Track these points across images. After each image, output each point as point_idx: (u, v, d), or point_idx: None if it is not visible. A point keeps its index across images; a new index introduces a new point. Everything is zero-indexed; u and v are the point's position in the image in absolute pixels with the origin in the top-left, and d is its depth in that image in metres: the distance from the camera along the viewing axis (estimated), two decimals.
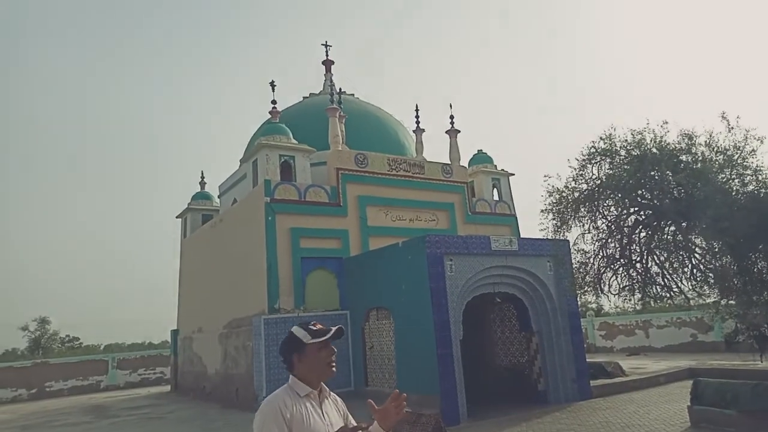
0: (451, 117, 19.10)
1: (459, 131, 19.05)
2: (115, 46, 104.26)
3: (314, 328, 2.43)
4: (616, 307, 27.95)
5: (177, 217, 22.42)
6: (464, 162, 19.11)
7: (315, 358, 2.39)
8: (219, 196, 20.17)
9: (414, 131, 19.34)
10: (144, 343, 44.45)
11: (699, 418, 8.81)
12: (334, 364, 2.45)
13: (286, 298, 13.88)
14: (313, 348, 2.39)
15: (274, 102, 18.51)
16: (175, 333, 21.78)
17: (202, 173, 23.07)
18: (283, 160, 15.44)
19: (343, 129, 17.63)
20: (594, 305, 31.25)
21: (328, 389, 2.52)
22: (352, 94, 21.42)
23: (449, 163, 18.32)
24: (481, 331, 14.40)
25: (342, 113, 17.86)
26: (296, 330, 2.43)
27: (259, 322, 13.33)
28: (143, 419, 13.96)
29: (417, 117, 19.16)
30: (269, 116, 18.66)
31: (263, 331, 13.12)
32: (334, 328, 2.44)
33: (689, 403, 9.11)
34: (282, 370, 12.44)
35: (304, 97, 21.79)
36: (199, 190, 22.33)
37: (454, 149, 18.82)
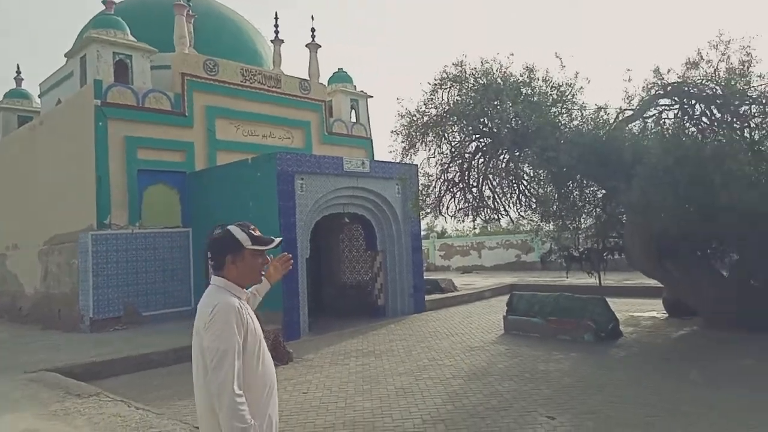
0: (312, 30, 18.21)
1: (320, 46, 18.28)
2: None
3: (255, 234, 2.37)
4: (457, 230, 30.38)
5: None
6: (323, 80, 18.55)
7: (250, 263, 2.34)
8: (39, 96, 17.44)
9: (272, 41, 18.15)
10: None
11: (511, 326, 9.98)
12: (264, 272, 2.53)
13: (118, 213, 12.70)
14: (250, 253, 2.33)
15: None
16: None
17: (18, 67, 19.73)
18: (117, 59, 13.60)
19: (192, 30, 15.94)
20: (439, 228, 33.70)
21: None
22: None
23: (308, 78, 17.63)
24: (328, 251, 14.65)
25: (191, 12, 16.07)
26: (235, 231, 2.34)
27: (86, 238, 12.13)
28: None
29: (276, 26, 17.93)
30: (103, 8, 16.19)
31: (91, 248, 12.02)
32: (276, 240, 2.41)
33: (504, 313, 10.26)
34: (110, 289, 11.39)
35: None
36: (14, 87, 19.17)
37: (313, 64, 18.08)
